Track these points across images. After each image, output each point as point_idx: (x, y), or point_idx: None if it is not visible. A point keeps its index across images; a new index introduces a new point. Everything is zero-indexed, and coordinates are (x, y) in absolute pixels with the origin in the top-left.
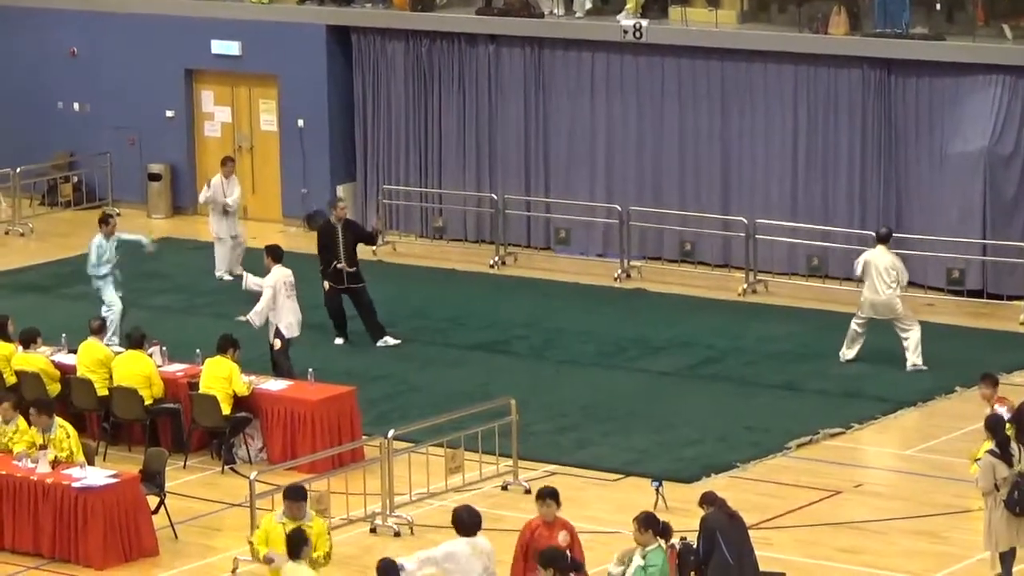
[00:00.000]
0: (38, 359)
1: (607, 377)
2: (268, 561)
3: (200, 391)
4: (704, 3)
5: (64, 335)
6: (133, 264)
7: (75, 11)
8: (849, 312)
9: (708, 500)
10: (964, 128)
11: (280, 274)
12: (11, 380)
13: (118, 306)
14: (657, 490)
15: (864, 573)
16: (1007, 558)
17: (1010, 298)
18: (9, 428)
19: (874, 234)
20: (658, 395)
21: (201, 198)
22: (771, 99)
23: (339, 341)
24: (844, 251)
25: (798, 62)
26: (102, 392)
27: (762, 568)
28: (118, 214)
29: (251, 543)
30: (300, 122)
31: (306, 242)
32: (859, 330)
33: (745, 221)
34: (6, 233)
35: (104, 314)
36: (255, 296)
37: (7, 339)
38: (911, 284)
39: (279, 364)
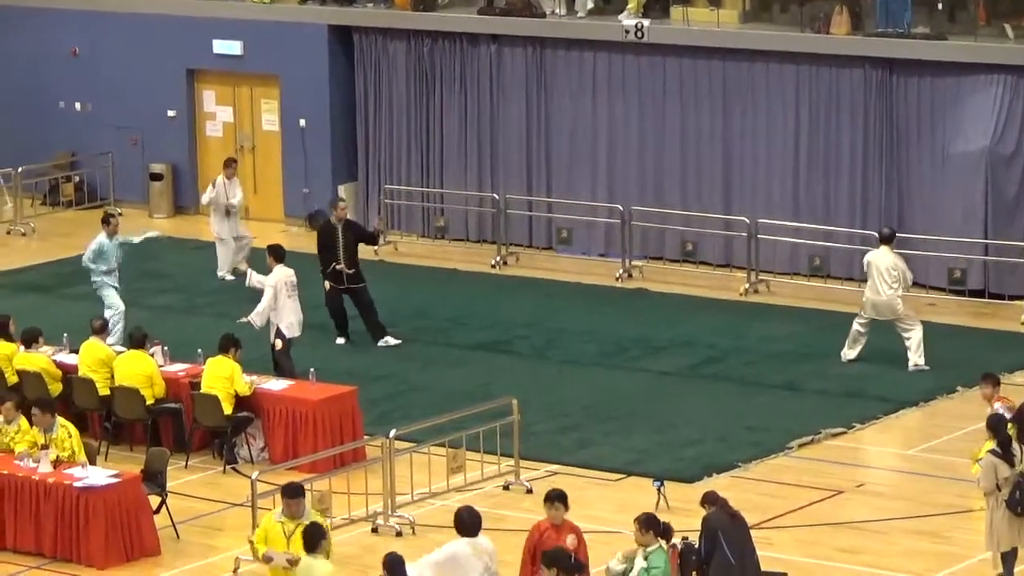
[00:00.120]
0: (40, 359)
1: (608, 377)
2: (267, 560)
3: (202, 391)
4: (706, 3)
5: (66, 335)
6: (134, 264)
7: (77, 11)
8: (851, 312)
9: (710, 500)
10: (966, 128)
11: (282, 274)
12: (13, 380)
13: (121, 308)
14: (658, 490)
15: (865, 573)
16: (1009, 558)
17: (1012, 298)
18: (11, 428)
19: (876, 234)
20: (659, 395)
21: (204, 199)
22: (773, 99)
23: (340, 341)
24: (846, 251)
25: (800, 62)
26: (104, 392)
27: (763, 568)
28: (120, 214)
29: (251, 542)
30: (302, 122)
31: (307, 242)
32: (861, 330)
33: (747, 221)
34: (8, 233)
35: (109, 317)
36: (257, 295)
37: (9, 339)
38: (913, 284)
39: (281, 364)
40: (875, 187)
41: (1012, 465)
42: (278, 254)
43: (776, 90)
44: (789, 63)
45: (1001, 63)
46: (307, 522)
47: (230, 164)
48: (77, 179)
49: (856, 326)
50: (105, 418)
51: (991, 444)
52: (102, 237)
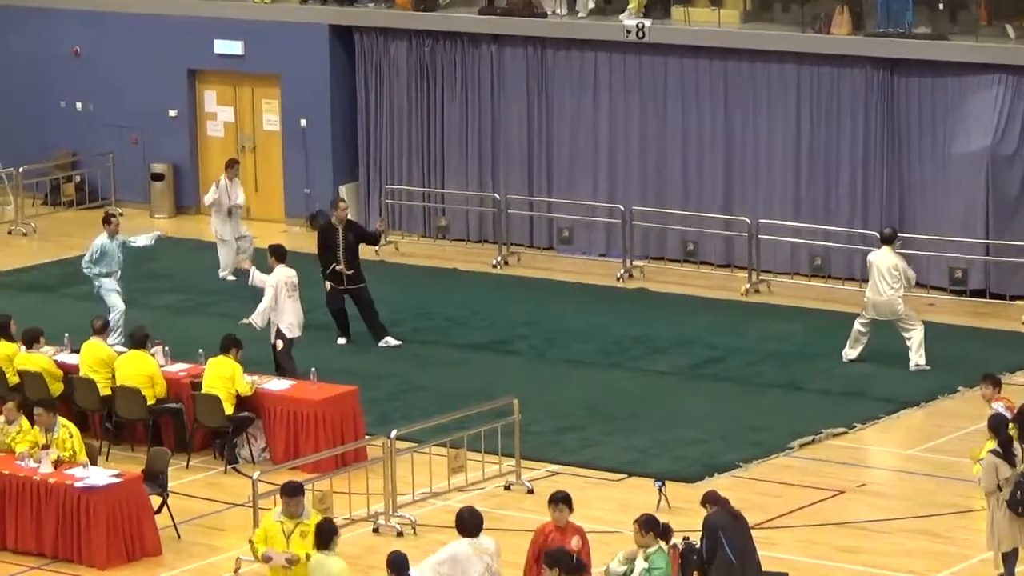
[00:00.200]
0: (41, 359)
1: (609, 377)
2: (267, 560)
3: (203, 391)
4: (707, 3)
5: (67, 335)
6: (135, 264)
7: (78, 11)
8: (851, 312)
9: (711, 499)
10: (967, 128)
11: (283, 274)
12: (14, 380)
13: (121, 308)
14: (659, 490)
15: (866, 573)
16: (1010, 558)
17: (1012, 298)
18: (12, 428)
19: (878, 234)
20: (660, 395)
21: (208, 200)
22: (774, 99)
23: (342, 341)
24: (847, 251)
25: (801, 62)
26: (105, 392)
27: (765, 568)
28: (121, 214)
29: (251, 542)
30: (303, 122)
31: (308, 242)
32: (862, 330)
33: (748, 221)
34: (9, 233)
35: (112, 319)
36: (259, 294)
37: (10, 339)
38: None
39: (282, 364)
40: (876, 187)
41: (1013, 465)
42: (279, 254)
43: (777, 90)
44: (790, 63)
45: (1002, 63)
46: (306, 521)
47: (232, 165)
48: (78, 179)
49: (857, 326)
50: (106, 418)
51: (992, 444)
52: (103, 238)
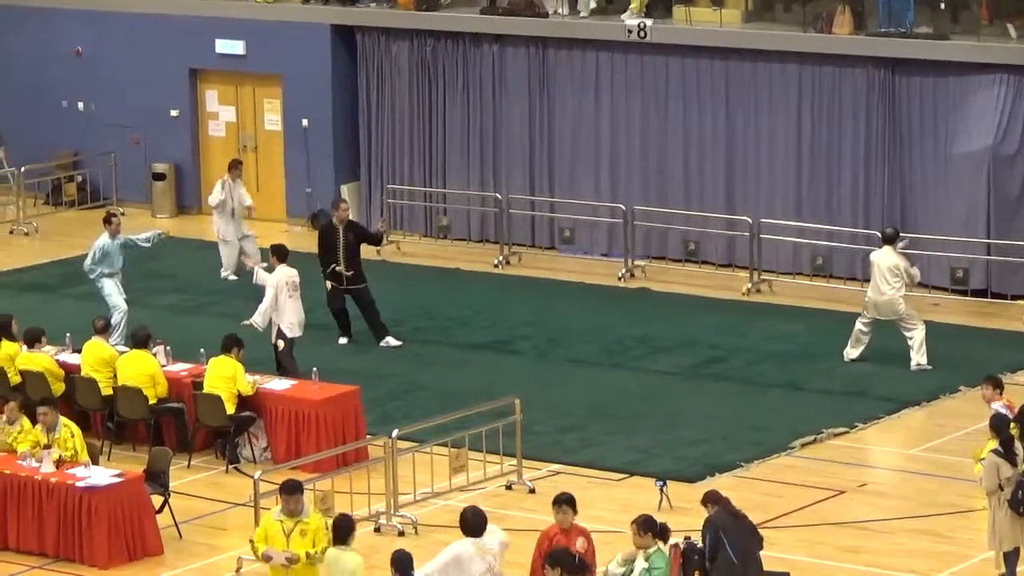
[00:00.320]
0: (42, 358)
1: (611, 377)
2: (267, 559)
3: (204, 391)
4: (708, 2)
5: (68, 334)
6: (137, 264)
7: (80, 10)
8: (853, 312)
9: (712, 499)
10: (968, 127)
11: (284, 274)
12: (15, 380)
13: (123, 308)
14: (661, 490)
15: (868, 573)
16: (1011, 558)
17: (1014, 297)
18: (14, 428)
19: (879, 234)
20: (662, 394)
21: (214, 201)
22: (775, 99)
23: (343, 341)
24: (848, 250)
25: (802, 61)
26: (106, 391)
27: (766, 568)
28: (122, 213)
29: (251, 542)
30: (304, 121)
31: (310, 242)
32: (864, 330)
33: (749, 220)
34: (11, 232)
35: (114, 319)
36: (261, 293)
37: (11, 338)
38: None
39: (284, 364)
40: (878, 187)
41: (1014, 465)
42: (281, 254)
43: (779, 90)
44: (792, 63)
45: (1004, 63)
46: (306, 519)
47: (236, 166)
48: (80, 179)
49: (859, 326)
50: (108, 418)
51: (993, 444)
52: (105, 238)
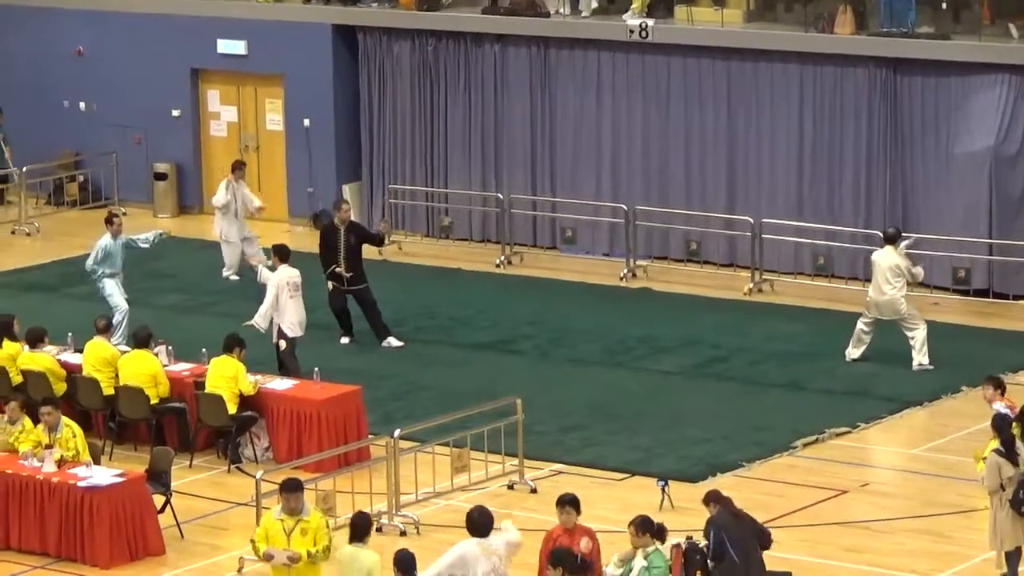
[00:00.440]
0: (44, 358)
1: (613, 376)
2: (268, 558)
3: (206, 390)
4: (710, 2)
5: (70, 334)
6: (139, 264)
7: (81, 10)
8: (855, 311)
9: (713, 499)
10: (970, 127)
11: (284, 274)
12: (17, 380)
13: (125, 308)
14: (663, 489)
15: (869, 572)
16: (1012, 557)
17: (1016, 297)
18: (15, 428)
19: (881, 234)
20: (664, 394)
21: (220, 202)
22: (777, 98)
23: (345, 340)
24: (850, 250)
25: (804, 61)
26: (108, 391)
27: (768, 567)
28: (124, 213)
29: (253, 541)
30: (306, 121)
31: (311, 242)
32: (865, 330)
33: (751, 220)
34: (12, 232)
35: (115, 319)
36: (262, 293)
37: (13, 338)
38: (918, 283)
39: (286, 364)
40: (879, 187)
41: (1016, 464)
42: (283, 254)
43: (780, 90)
44: (793, 63)
45: (1005, 63)
46: (306, 518)
47: (240, 167)
48: (81, 179)
49: (860, 325)
50: (109, 418)
51: (995, 443)
52: (106, 238)
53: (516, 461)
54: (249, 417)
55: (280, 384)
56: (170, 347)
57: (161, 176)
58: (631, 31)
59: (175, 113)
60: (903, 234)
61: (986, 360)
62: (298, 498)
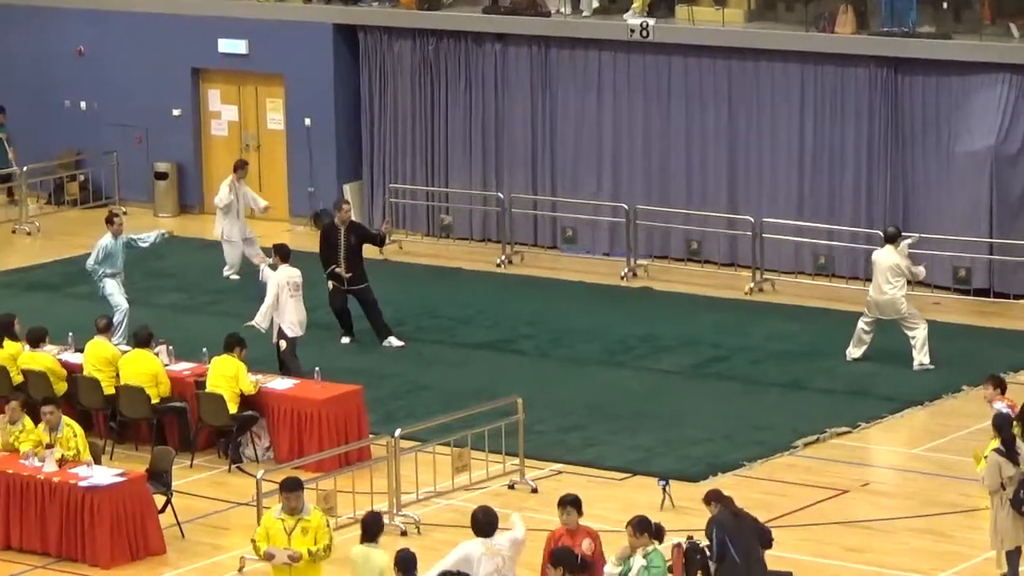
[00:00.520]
0: (45, 358)
1: (613, 376)
2: (269, 558)
3: (207, 390)
4: (711, 2)
5: (71, 334)
6: (140, 263)
7: (82, 9)
8: (855, 311)
9: (714, 498)
10: (971, 127)
11: (285, 273)
12: (18, 379)
13: (125, 307)
14: (664, 489)
15: (870, 572)
16: (1013, 557)
17: (1017, 297)
18: (16, 428)
19: (881, 233)
20: (664, 394)
21: (223, 202)
22: (778, 98)
23: (346, 340)
24: (851, 250)
25: (805, 61)
26: (109, 391)
27: (769, 567)
28: (125, 213)
29: (253, 541)
30: (307, 121)
31: (312, 241)
32: (866, 330)
33: (752, 220)
34: (13, 232)
35: (116, 318)
36: (263, 293)
37: (14, 338)
38: (918, 283)
39: (287, 364)
40: (880, 186)
41: (1016, 464)
42: (283, 253)
43: (781, 89)
44: (794, 62)
45: (1006, 62)
46: (307, 517)
47: (242, 166)
48: (82, 178)
49: (861, 325)
50: (110, 417)
51: (995, 443)
52: (107, 238)
53: (517, 461)
54: (250, 417)
55: (281, 384)
56: (171, 347)
57: (162, 175)
58: (632, 31)
59: (176, 112)
60: (905, 233)
61: (987, 359)
62: (298, 497)
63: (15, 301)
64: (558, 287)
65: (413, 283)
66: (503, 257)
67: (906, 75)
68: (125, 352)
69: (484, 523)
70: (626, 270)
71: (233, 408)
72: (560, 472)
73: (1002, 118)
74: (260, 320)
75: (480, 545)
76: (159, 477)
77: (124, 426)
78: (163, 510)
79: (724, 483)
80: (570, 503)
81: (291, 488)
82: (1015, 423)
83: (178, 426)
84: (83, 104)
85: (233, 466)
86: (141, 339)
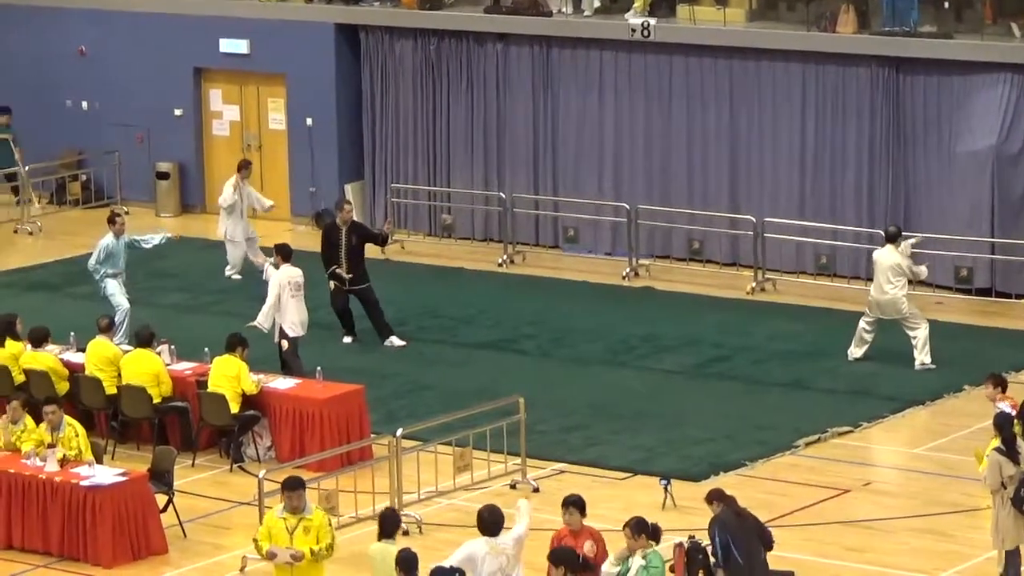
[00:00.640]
0: (47, 358)
1: (615, 376)
2: (271, 557)
3: (209, 390)
4: (712, 1)
5: (73, 334)
6: (142, 263)
7: (84, 9)
8: (857, 311)
9: (716, 497)
10: (972, 126)
11: (286, 273)
12: (19, 379)
13: (126, 307)
14: (665, 488)
15: (872, 571)
16: (1014, 556)
17: (1018, 296)
18: (17, 427)
19: (883, 233)
20: (666, 394)
21: (227, 202)
22: (779, 98)
23: (347, 340)
24: (852, 250)
25: (806, 60)
26: (111, 391)
27: (771, 566)
28: (126, 213)
29: (255, 540)
30: (308, 121)
31: (314, 241)
32: (867, 329)
33: (753, 219)
34: (15, 232)
35: (117, 318)
36: (265, 292)
37: (16, 338)
38: (919, 282)
39: (289, 363)
40: (882, 186)
41: (1017, 463)
42: (285, 253)
43: (782, 89)
44: (795, 62)
45: (1008, 62)
46: (308, 516)
47: (246, 166)
48: (84, 178)
49: (862, 325)
50: (112, 417)
51: (996, 442)
52: (109, 238)
53: (518, 460)
54: (251, 416)
55: (282, 383)
56: (172, 346)
57: (163, 175)
58: (633, 30)
59: (177, 112)
60: (907, 233)
61: (988, 359)
62: (300, 496)
63: (17, 301)
64: (560, 287)
65: (415, 283)
66: (505, 257)
67: (907, 75)
68: (127, 352)
69: (490, 522)
70: (628, 270)
71: (235, 408)
72: (562, 472)
73: (1003, 118)
74: (262, 321)
75: (484, 544)
76: (161, 477)
77: (126, 426)
78: (165, 510)
79: (726, 483)
80: (573, 504)
81: (293, 487)
82: (1015, 422)
83: (180, 426)
84: (85, 104)
85: (235, 466)
86: (143, 339)
